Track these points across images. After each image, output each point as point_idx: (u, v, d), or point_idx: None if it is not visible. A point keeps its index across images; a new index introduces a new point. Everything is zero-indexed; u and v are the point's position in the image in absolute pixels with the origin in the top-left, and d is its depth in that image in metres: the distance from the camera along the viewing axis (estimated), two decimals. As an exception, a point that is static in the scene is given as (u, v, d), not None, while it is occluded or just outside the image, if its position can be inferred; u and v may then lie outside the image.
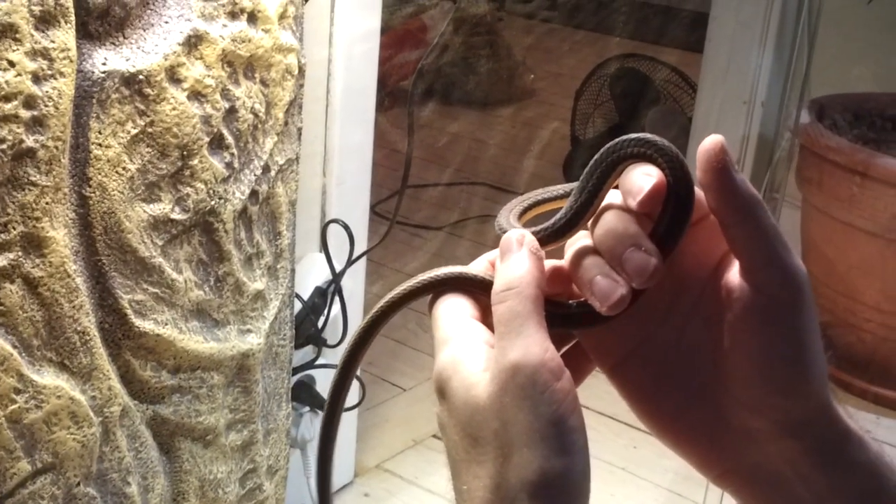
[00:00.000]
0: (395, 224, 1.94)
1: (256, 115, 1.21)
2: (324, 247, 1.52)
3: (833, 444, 0.54)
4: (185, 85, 1.10)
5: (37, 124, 0.96)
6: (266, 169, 1.25)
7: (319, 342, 1.61)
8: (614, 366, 0.59)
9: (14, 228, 0.97)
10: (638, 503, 1.87)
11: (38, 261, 1.00)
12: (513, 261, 0.56)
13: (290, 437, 1.45)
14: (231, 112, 1.16)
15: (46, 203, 0.99)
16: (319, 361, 1.63)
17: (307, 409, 1.64)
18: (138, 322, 1.12)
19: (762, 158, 2.79)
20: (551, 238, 0.58)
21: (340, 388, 0.66)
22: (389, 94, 3.00)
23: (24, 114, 0.94)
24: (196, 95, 1.11)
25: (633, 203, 0.53)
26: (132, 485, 1.17)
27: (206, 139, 1.14)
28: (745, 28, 2.68)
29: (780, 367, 0.53)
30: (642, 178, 0.54)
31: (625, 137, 0.56)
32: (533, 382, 0.51)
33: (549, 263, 0.58)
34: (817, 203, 2.31)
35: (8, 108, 0.93)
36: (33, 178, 0.97)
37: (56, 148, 0.98)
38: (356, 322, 1.64)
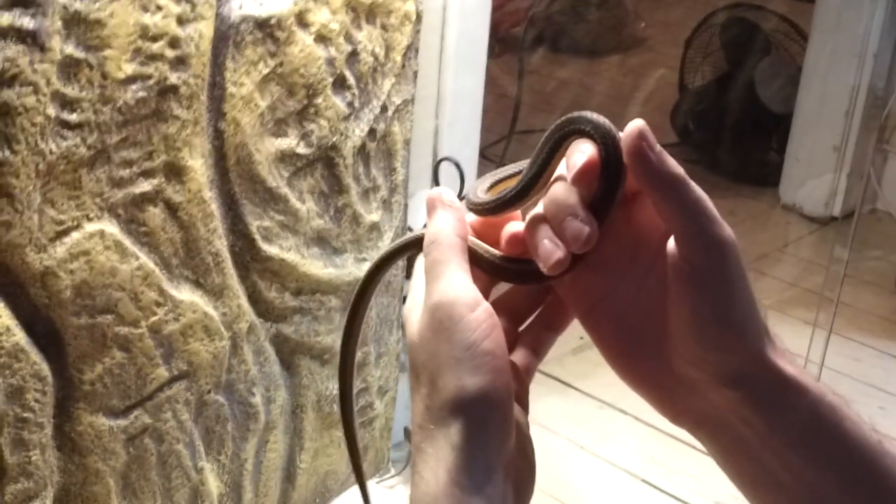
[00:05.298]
0: (503, 166, 2.01)
1: (376, 58, 1.29)
2: (435, 183, 1.60)
3: (769, 392, 0.59)
4: (312, 29, 1.18)
5: (180, 63, 1.05)
6: (384, 109, 1.33)
7: (428, 275, 1.68)
8: (584, 313, 0.65)
9: (158, 157, 1.07)
10: (628, 437, 1.91)
11: (178, 187, 1.10)
12: (434, 218, 0.63)
13: (400, 361, 1.54)
14: (353, 55, 1.25)
15: (187, 135, 1.09)
16: (428, 293, 1.70)
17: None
18: (265, 247, 1.21)
19: (873, 110, 2.78)
20: (505, 206, 0.65)
21: (350, 331, 0.73)
22: (500, 41, 3.05)
23: (169, 53, 1.04)
24: (322, 39, 1.20)
25: (569, 177, 0.59)
26: (256, 395, 1.28)
27: (330, 80, 1.22)
28: (859, -21, 2.66)
29: (709, 326, 0.58)
30: (577, 155, 0.59)
31: (570, 116, 0.62)
32: (449, 316, 0.59)
33: (514, 228, 0.65)
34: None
35: (155, 47, 1.02)
36: (176, 112, 1.07)
37: (196, 85, 1.08)
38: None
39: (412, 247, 0.67)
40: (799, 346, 2.09)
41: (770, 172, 2.93)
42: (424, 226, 0.65)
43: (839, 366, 2.16)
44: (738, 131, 2.95)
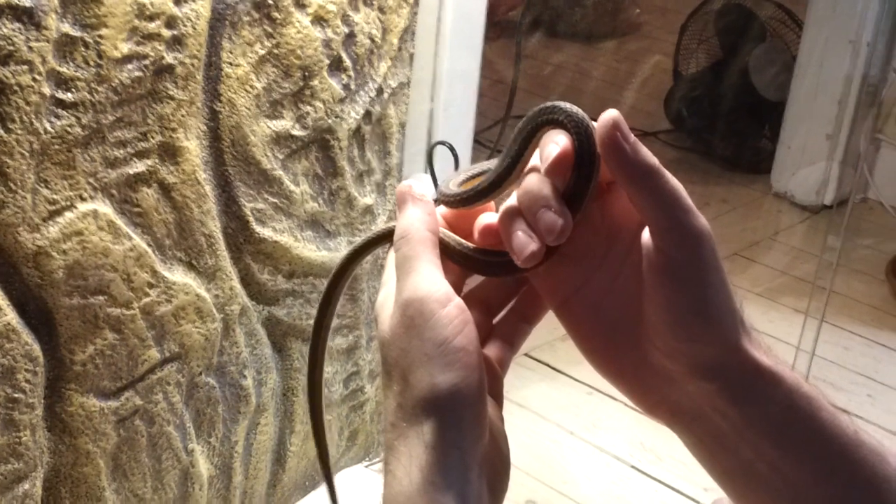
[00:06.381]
0: (497, 151, 2.00)
1: (373, 41, 1.28)
2: (429, 167, 1.59)
3: (744, 384, 0.59)
4: (310, 10, 1.18)
5: (176, 43, 1.05)
6: (380, 91, 1.32)
7: (421, 259, 1.68)
8: (559, 305, 0.64)
9: (153, 137, 1.06)
10: (618, 423, 1.92)
11: (172, 168, 1.09)
12: (404, 213, 0.63)
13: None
14: (350, 37, 1.24)
15: (182, 115, 1.08)
16: (420, 277, 1.70)
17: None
18: (258, 229, 1.21)
19: (866, 99, 2.77)
20: (478, 198, 0.64)
21: (320, 324, 0.73)
22: (496, 25, 3.04)
23: (166, 33, 1.03)
24: (319, 20, 1.19)
25: (542, 169, 0.59)
26: (248, 378, 1.27)
27: (327, 61, 1.22)
28: (854, -33, 2.65)
29: (684, 317, 0.58)
30: (550, 146, 0.59)
31: (543, 105, 0.61)
32: (420, 312, 0.58)
33: (487, 219, 0.64)
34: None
35: (151, 27, 1.01)
36: (171, 92, 1.06)
37: (192, 65, 1.07)
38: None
39: (383, 240, 0.67)
40: (788, 335, 2.09)
41: (763, 160, 2.92)
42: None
43: (828, 354, 2.16)
44: (732, 119, 2.95)
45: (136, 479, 1.16)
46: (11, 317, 0.98)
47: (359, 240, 0.70)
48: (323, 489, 1.47)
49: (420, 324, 0.58)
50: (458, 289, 0.63)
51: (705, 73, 3.04)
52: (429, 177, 1.61)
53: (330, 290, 0.72)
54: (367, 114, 1.31)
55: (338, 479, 1.52)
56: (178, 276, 1.13)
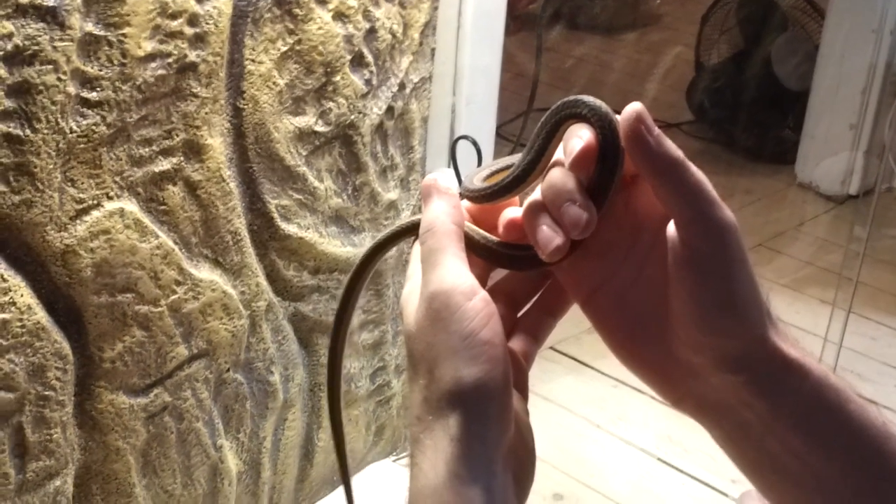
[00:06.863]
0: (519, 145, 2.00)
1: (394, 36, 1.28)
2: (453, 161, 1.59)
3: (772, 376, 0.58)
4: (331, 6, 1.18)
5: (199, 40, 1.05)
6: (402, 86, 1.33)
7: (445, 253, 1.68)
8: (585, 299, 0.64)
9: (177, 135, 1.06)
10: (644, 416, 1.92)
11: (197, 165, 1.09)
12: (429, 206, 0.63)
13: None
14: (371, 32, 1.24)
15: (206, 113, 1.08)
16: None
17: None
18: (283, 225, 1.21)
19: (890, 88, 2.76)
20: (502, 193, 0.64)
21: (342, 317, 0.74)
22: (516, 19, 3.04)
23: (188, 31, 1.04)
24: (340, 16, 1.19)
25: (567, 163, 0.59)
26: (275, 374, 1.28)
27: (348, 57, 1.22)
28: (877, -45, 2.64)
29: (710, 311, 0.57)
30: (574, 140, 0.59)
31: (566, 99, 0.61)
32: (446, 305, 0.58)
33: (512, 214, 0.64)
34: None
35: (174, 25, 1.02)
36: (195, 90, 1.07)
37: (215, 63, 1.07)
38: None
39: (407, 233, 0.67)
40: (815, 326, 2.08)
41: (786, 150, 2.91)
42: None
43: (855, 345, 2.15)
44: (755, 109, 2.93)
45: (166, 474, 1.17)
46: (41, 315, 0.99)
47: (380, 235, 0.70)
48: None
49: (446, 317, 0.58)
50: (482, 282, 0.63)
51: (727, 64, 3.03)
52: (452, 171, 1.61)
53: (353, 281, 0.72)
54: (390, 109, 1.32)
55: (365, 473, 1.52)
56: (205, 273, 1.14)
